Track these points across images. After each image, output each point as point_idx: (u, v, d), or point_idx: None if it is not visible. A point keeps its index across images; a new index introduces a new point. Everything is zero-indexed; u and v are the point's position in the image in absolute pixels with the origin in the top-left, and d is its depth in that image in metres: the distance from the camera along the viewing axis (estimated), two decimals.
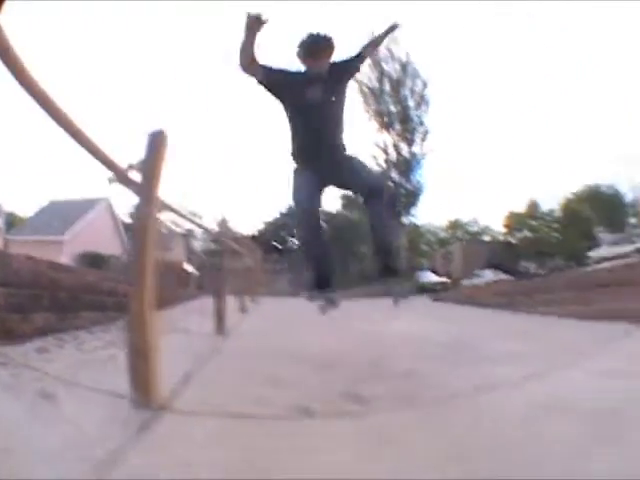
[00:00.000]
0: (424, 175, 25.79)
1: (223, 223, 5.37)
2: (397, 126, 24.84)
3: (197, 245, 36.71)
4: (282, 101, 2.99)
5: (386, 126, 24.84)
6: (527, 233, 44.06)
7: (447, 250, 40.86)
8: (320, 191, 3.04)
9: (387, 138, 25.02)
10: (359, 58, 3.13)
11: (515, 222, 45.48)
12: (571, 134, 64.27)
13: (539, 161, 66.15)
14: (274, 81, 2.89)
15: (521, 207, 46.39)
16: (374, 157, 24.95)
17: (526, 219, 44.68)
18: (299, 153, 3.08)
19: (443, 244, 46.06)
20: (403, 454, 1.36)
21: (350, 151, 3.14)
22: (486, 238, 46.74)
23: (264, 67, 2.83)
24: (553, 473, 1.19)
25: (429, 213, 38.20)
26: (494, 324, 4.92)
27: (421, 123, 25.02)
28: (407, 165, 24.97)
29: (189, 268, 20.16)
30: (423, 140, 25.04)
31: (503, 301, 5.80)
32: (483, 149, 70.02)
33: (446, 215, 67.06)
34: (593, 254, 19.75)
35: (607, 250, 16.73)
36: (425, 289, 18.96)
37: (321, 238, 2.98)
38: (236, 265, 8.63)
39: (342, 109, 3.06)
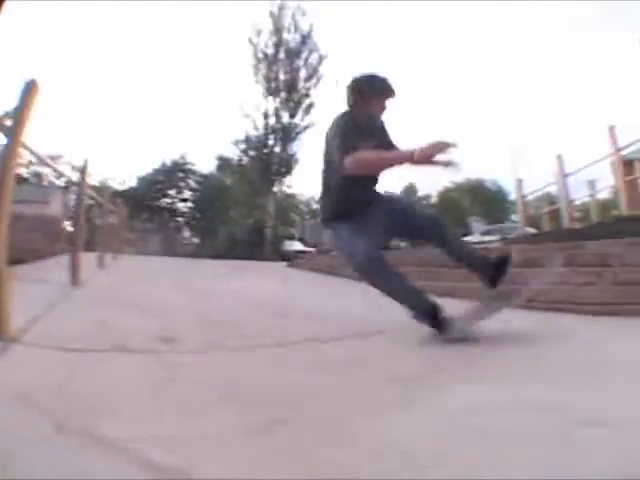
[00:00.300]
0: (302, 146, 26.25)
1: (83, 170, 5.27)
2: (283, 94, 24.98)
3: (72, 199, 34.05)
4: None
5: (272, 92, 24.88)
6: None
7: (317, 222, 42.39)
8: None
9: (271, 104, 25.12)
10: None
11: None
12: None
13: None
14: None
15: (398, 189, 49.57)
16: (253, 121, 25.04)
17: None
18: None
19: (315, 216, 47.49)
20: (185, 389, 1.72)
21: None
22: None
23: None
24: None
25: (304, 184, 39.31)
26: (325, 289, 5.74)
27: (307, 95, 25.31)
28: (286, 133, 25.11)
29: (65, 222, 18.77)
30: (306, 113, 25.37)
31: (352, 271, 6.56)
32: None
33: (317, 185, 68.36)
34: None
35: (476, 237, 18.60)
36: (287, 257, 19.59)
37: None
38: (104, 221, 8.69)
39: None
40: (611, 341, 2.53)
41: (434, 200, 48.09)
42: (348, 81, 2.76)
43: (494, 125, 73.39)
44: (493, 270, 2.76)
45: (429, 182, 70.24)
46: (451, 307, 2.69)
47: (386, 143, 2.83)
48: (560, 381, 1.78)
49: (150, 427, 1.33)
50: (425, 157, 2.51)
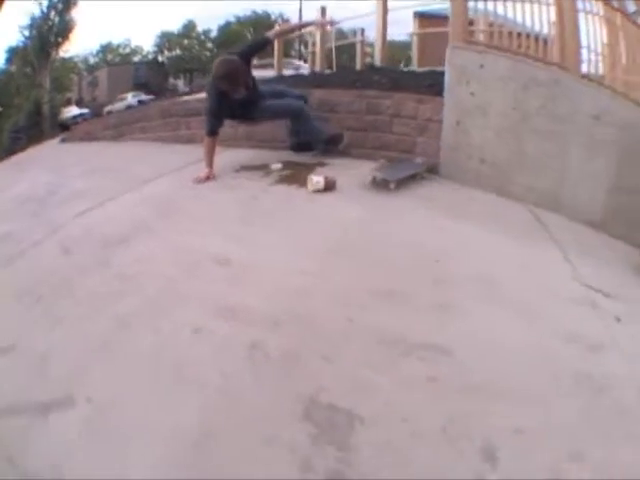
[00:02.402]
0: (80, 5, 24.54)
1: None
2: None
3: None
4: None
5: None
6: (178, 51, 44.29)
7: (94, 76, 38.07)
8: None
9: None
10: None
11: (167, 41, 44.66)
12: None
13: None
14: None
15: (176, 26, 45.48)
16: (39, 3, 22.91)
17: (180, 38, 44.42)
18: None
19: (92, 70, 42.16)
20: None
21: None
22: (135, 59, 44.78)
23: None
24: None
25: (81, 41, 34.47)
26: (90, 160, 5.48)
27: None
28: (66, 2, 23.62)
29: None
30: None
31: (112, 133, 6.62)
32: None
33: (99, 39, 60.09)
34: None
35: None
36: (66, 126, 17.82)
37: None
38: None
39: None
40: None
41: (214, 34, 45.51)
42: None
43: None
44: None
45: (210, 19, 65.78)
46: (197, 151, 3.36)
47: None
48: None
49: None
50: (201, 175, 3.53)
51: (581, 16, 3.93)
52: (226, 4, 66.30)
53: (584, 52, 3.97)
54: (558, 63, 3.86)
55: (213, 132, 3.70)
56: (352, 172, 3.44)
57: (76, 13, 24.24)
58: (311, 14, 8.80)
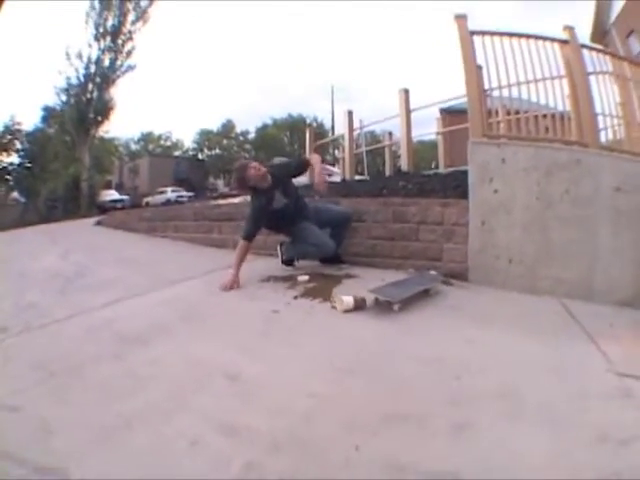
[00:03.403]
0: (120, 90, 25.50)
1: None
2: (108, 39, 24.05)
3: None
4: None
5: (98, 38, 23.82)
6: (217, 151, 47.26)
7: (135, 164, 40.29)
8: None
9: (94, 50, 23.97)
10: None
11: (207, 139, 47.67)
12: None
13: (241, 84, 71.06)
14: None
15: (216, 125, 48.78)
16: (76, 69, 23.74)
17: (219, 137, 47.49)
18: None
19: (134, 157, 45.10)
20: None
21: None
22: (177, 153, 47.81)
23: None
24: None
25: (123, 125, 37.75)
26: (122, 249, 5.90)
27: (130, 38, 24.55)
28: (104, 79, 24.26)
29: None
30: (128, 56, 24.68)
31: (146, 227, 6.96)
32: (189, 67, 71.69)
33: (140, 127, 65.58)
34: None
35: None
36: (105, 209, 18.71)
37: None
38: None
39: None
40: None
41: (252, 136, 48.67)
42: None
43: (321, 65, 75.72)
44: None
45: (247, 118, 71.26)
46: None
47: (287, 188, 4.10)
48: None
49: None
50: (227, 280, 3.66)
51: (592, 80, 3.99)
52: (263, 104, 72.40)
53: (600, 119, 4.01)
54: (577, 141, 3.90)
55: (249, 237, 3.85)
56: (376, 283, 3.43)
57: (115, 94, 25.01)
58: (342, 117, 9.24)
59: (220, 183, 43.17)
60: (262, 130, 48.00)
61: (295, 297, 3.36)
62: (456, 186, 4.44)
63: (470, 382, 2.11)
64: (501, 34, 3.97)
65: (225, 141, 47.96)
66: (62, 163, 24.59)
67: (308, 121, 47.17)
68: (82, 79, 23.88)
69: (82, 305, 3.28)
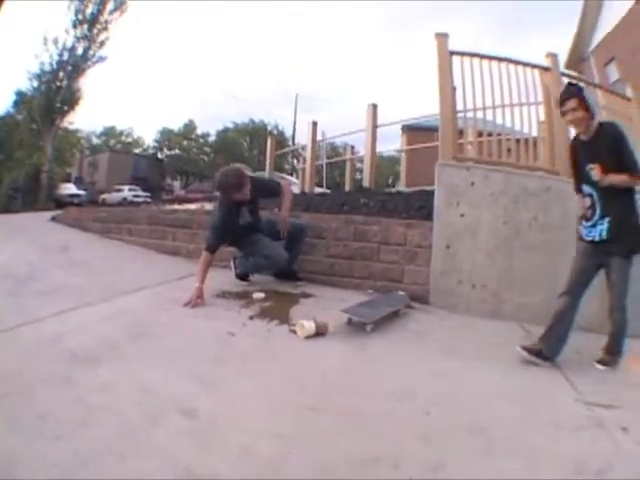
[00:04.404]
0: (90, 79, 25.89)
1: None
2: (85, 27, 23.63)
3: None
4: None
5: (75, 25, 23.45)
6: (177, 151, 46.17)
7: (95, 158, 39.12)
8: None
9: (70, 37, 23.53)
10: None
11: (168, 139, 46.58)
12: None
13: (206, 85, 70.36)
14: None
15: (177, 125, 47.72)
16: (50, 55, 23.25)
17: (179, 137, 46.46)
18: None
19: (94, 151, 43.69)
20: None
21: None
22: (137, 150, 46.55)
23: None
24: None
25: (87, 118, 36.35)
26: (75, 251, 5.51)
27: (105, 28, 24.12)
28: (76, 68, 23.87)
29: None
30: (101, 46, 24.31)
31: (100, 228, 6.60)
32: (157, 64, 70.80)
33: (103, 121, 63.55)
34: None
35: None
36: (61, 203, 18.07)
37: None
38: None
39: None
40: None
41: (212, 139, 47.88)
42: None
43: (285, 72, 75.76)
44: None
45: (209, 120, 70.52)
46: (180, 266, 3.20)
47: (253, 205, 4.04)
48: None
49: None
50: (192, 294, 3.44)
51: None
52: (225, 108, 71.75)
53: None
54: (548, 168, 3.93)
55: (212, 248, 3.70)
56: (338, 306, 3.34)
57: (84, 84, 24.68)
58: (304, 127, 9.17)
59: (177, 184, 42.26)
60: (223, 133, 47.19)
61: (251, 317, 3.21)
62: (420, 207, 4.42)
63: (440, 417, 2.05)
64: (481, 56, 3.99)
65: (185, 142, 46.80)
66: (27, 152, 23.92)
67: (269, 128, 46.97)
68: (55, 66, 23.44)
69: (32, 313, 3.00)
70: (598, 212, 2.70)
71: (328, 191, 9.06)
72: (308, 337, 2.84)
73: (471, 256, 3.74)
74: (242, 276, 4.13)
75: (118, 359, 2.41)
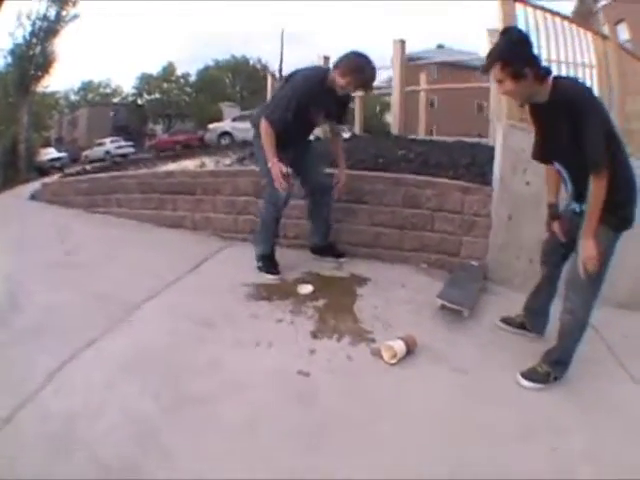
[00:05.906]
0: (64, 39, 25.05)
1: None
2: None
3: None
4: None
5: None
6: (157, 95, 44.16)
7: (74, 116, 37.72)
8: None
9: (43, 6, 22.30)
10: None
11: (147, 83, 44.65)
12: None
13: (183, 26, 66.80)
14: None
15: (156, 69, 45.60)
16: (23, 28, 22.00)
17: (159, 81, 44.42)
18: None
19: (73, 109, 42.41)
20: None
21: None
22: (116, 100, 44.60)
23: None
24: None
25: (64, 77, 34.44)
26: (57, 242, 4.33)
27: None
28: (49, 32, 22.74)
29: None
30: (74, 4, 23.06)
31: (84, 201, 5.69)
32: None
33: (80, 76, 60.41)
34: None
35: (228, 124, 17.95)
36: (44, 170, 17.06)
37: None
38: None
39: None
40: None
41: (193, 79, 45.61)
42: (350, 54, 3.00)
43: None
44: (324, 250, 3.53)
45: (189, 61, 67.17)
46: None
47: (334, 116, 3.30)
48: None
49: None
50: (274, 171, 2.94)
51: None
52: (205, 47, 68.24)
53: None
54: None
55: (273, 121, 2.99)
56: (400, 294, 2.88)
57: (58, 44, 23.58)
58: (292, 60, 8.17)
59: (159, 128, 40.66)
60: (204, 72, 44.78)
61: (314, 335, 2.46)
62: (468, 164, 3.86)
63: None
64: (544, 10, 3.72)
65: (165, 85, 44.59)
66: (5, 126, 23.35)
67: (252, 62, 45.08)
68: (28, 37, 22.43)
69: (26, 384, 2.02)
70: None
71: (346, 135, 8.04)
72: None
73: (533, 229, 3.21)
74: (264, 262, 3.29)
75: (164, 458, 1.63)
